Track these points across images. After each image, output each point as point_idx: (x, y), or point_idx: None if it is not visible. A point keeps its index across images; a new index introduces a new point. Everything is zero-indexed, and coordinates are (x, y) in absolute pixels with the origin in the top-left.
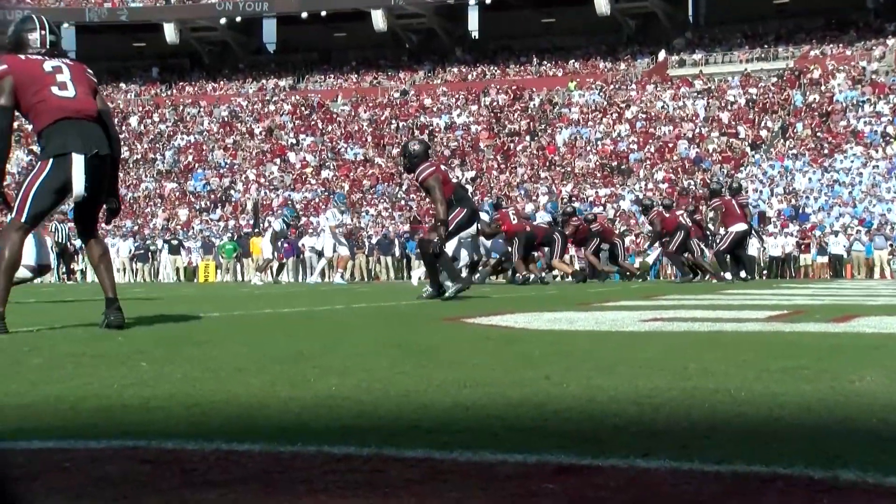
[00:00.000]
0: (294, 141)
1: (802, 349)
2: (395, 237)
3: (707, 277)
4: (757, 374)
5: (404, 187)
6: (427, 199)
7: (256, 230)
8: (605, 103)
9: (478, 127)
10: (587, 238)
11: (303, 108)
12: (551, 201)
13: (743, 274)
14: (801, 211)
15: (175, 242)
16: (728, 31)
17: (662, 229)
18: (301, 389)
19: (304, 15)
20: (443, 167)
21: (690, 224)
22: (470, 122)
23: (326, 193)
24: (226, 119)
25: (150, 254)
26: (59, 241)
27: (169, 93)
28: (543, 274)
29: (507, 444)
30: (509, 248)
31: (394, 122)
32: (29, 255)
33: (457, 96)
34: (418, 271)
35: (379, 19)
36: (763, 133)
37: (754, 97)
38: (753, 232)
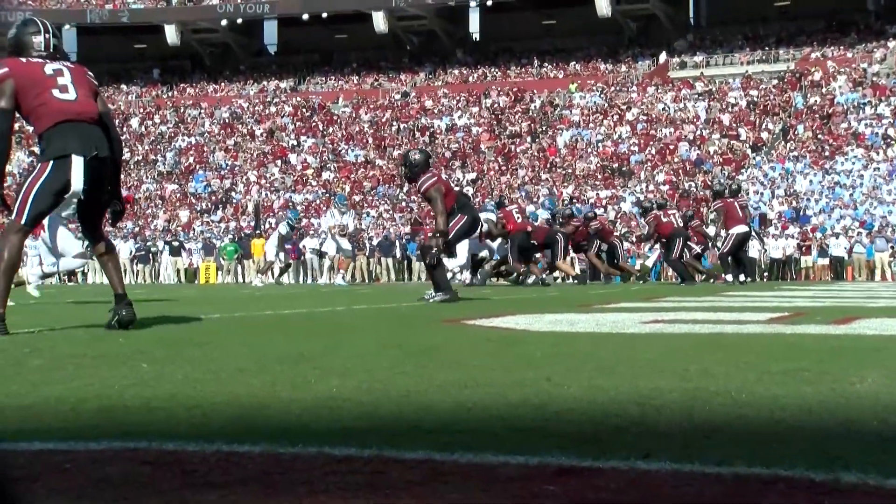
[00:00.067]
0: (295, 142)
1: (803, 351)
2: (396, 239)
3: (700, 279)
4: (758, 375)
5: (405, 189)
6: (428, 206)
7: (257, 231)
8: (606, 105)
9: (479, 129)
10: (587, 240)
11: (304, 110)
12: (548, 198)
13: (742, 277)
14: (801, 213)
15: (176, 244)
16: (729, 32)
17: (657, 232)
18: (302, 391)
19: (305, 16)
20: (444, 176)
21: (689, 232)
22: (471, 123)
23: (327, 195)
24: (227, 120)
25: (150, 255)
26: None
27: (170, 94)
28: (544, 275)
29: (509, 445)
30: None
31: (395, 123)
32: (74, 244)
33: (458, 98)
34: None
35: (380, 21)
36: (764, 135)
37: (755, 99)
38: (754, 234)
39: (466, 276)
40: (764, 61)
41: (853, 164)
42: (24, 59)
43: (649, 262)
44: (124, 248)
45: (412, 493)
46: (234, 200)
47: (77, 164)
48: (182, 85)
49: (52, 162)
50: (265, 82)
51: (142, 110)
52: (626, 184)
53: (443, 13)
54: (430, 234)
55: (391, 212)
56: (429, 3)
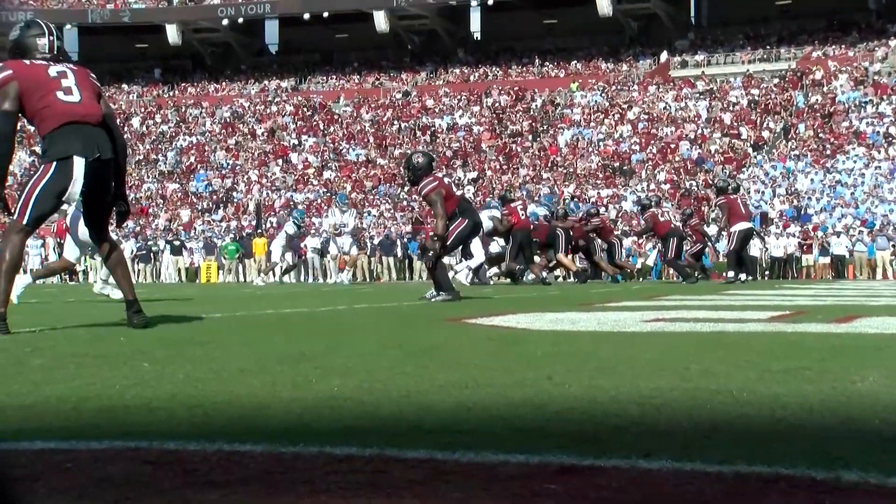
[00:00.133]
0: (296, 142)
1: (804, 350)
2: (397, 238)
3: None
4: (759, 374)
5: (406, 188)
6: (429, 206)
7: (259, 231)
8: (608, 104)
9: (480, 128)
10: (587, 239)
11: (305, 109)
12: (545, 195)
13: (743, 276)
14: (803, 212)
15: (177, 243)
16: (730, 32)
17: (653, 230)
18: (303, 390)
19: (306, 16)
20: (446, 180)
21: (683, 226)
22: (472, 123)
23: (328, 194)
24: (228, 120)
25: (152, 254)
26: (61, 241)
27: (171, 94)
28: (544, 273)
29: (509, 444)
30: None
31: (396, 123)
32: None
33: (459, 97)
34: (463, 267)
35: (381, 20)
36: (765, 134)
37: (756, 98)
38: (755, 232)
39: (468, 275)
40: (765, 60)
41: (854, 162)
42: (27, 62)
43: (650, 261)
44: (126, 248)
45: (413, 493)
46: (236, 200)
47: (78, 166)
48: (183, 84)
49: (55, 163)
50: (266, 82)
51: (143, 110)
52: (627, 183)
53: (444, 12)
54: (430, 235)
55: (392, 211)
56: (430, 2)
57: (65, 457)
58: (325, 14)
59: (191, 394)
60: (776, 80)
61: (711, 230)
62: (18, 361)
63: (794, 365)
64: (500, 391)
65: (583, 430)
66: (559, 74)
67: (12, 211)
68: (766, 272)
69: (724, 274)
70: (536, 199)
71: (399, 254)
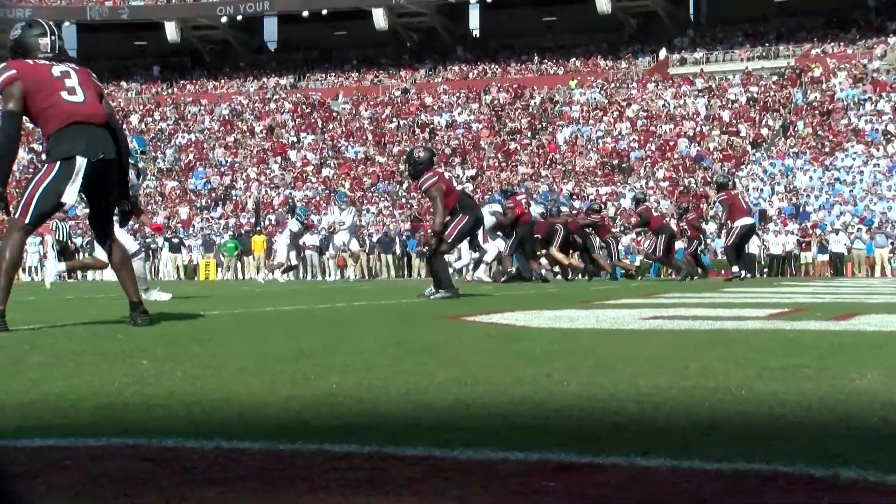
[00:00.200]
0: (295, 139)
1: (803, 347)
2: (396, 235)
3: (677, 276)
4: (758, 372)
5: (405, 185)
6: (428, 201)
7: (258, 228)
8: (606, 102)
9: (479, 125)
10: (584, 236)
11: (304, 107)
12: (542, 192)
13: (743, 273)
14: (801, 209)
15: (176, 240)
16: (729, 29)
17: (647, 223)
18: (301, 388)
19: (305, 13)
20: (447, 175)
21: (684, 224)
22: (471, 120)
23: (327, 192)
24: (227, 117)
25: (150, 252)
26: (60, 239)
27: (170, 91)
28: (544, 271)
29: (509, 441)
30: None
31: (394, 120)
32: (131, 243)
33: (458, 95)
34: (462, 265)
35: (380, 18)
36: (764, 131)
37: (755, 95)
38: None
39: (485, 269)
40: (764, 58)
41: (853, 160)
42: (31, 61)
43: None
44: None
45: (412, 490)
46: (234, 197)
47: (80, 167)
48: (182, 82)
49: (58, 163)
50: (265, 79)
51: (142, 107)
52: (625, 180)
53: (443, 10)
54: (428, 232)
55: (391, 208)
56: None
57: (63, 454)
58: (324, 11)
59: (189, 391)
60: (775, 78)
61: (710, 228)
62: (17, 359)
63: (792, 362)
64: (499, 388)
65: (582, 427)
66: (558, 72)
67: (12, 212)
68: (765, 269)
69: (732, 269)
70: (534, 196)
71: (398, 251)
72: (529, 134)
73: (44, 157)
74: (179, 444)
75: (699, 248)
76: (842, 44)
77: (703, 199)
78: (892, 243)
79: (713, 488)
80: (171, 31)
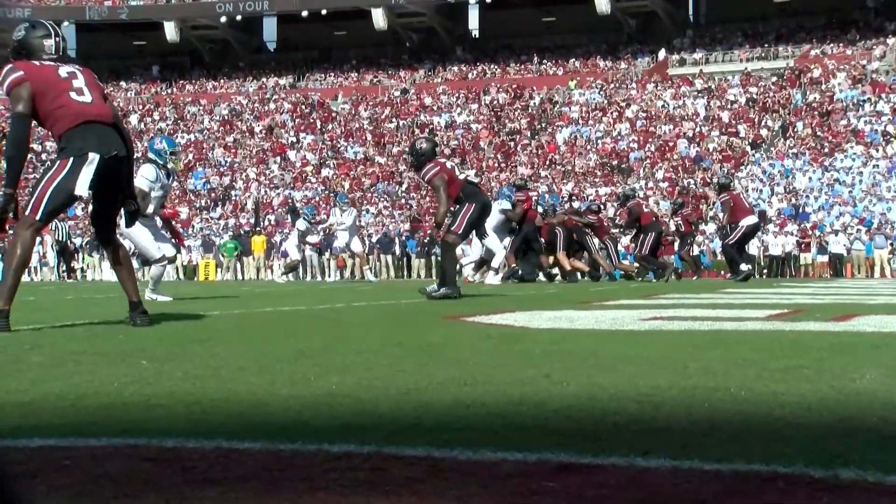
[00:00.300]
0: (294, 139)
1: (803, 348)
2: (396, 236)
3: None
4: (757, 372)
5: (404, 186)
6: (431, 197)
7: (257, 228)
8: (606, 102)
9: (478, 126)
10: (579, 232)
11: (303, 107)
12: (541, 194)
13: (747, 267)
14: (801, 210)
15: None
16: (728, 30)
17: (638, 220)
18: (301, 388)
19: (305, 13)
20: (449, 164)
21: (678, 219)
22: (470, 120)
23: (327, 192)
24: (226, 117)
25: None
26: (60, 239)
27: (169, 91)
28: (550, 272)
29: (508, 442)
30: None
31: (394, 120)
32: (154, 245)
33: (457, 95)
34: (491, 276)
35: (379, 18)
36: (763, 132)
37: (754, 96)
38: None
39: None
40: (763, 58)
41: (852, 161)
42: (37, 63)
43: None
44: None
45: (412, 490)
46: (234, 197)
47: (92, 163)
48: (181, 82)
49: (71, 159)
50: (264, 79)
51: (141, 107)
52: (625, 181)
53: (442, 10)
54: (443, 232)
55: (390, 209)
56: None
57: (63, 454)
58: (324, 11)
59: (189, 391)
60: (774, 79)
61: (710, 228)
62: (17, 358)
63: (792, 363)
64: (498, 389)
65: (581, 427)
66: (557, 72)
67: (20, 216)
68: (765, 270)
69: (741, 267)
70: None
71: (397, 252)
72: (529, 134)
73: (54, 155)
74: (179, 444)
75: (690, 243)
76: (841, 44)
77: (703, 200)
78: (891, 244)
79: (713, 489)
80: (171, 30)
